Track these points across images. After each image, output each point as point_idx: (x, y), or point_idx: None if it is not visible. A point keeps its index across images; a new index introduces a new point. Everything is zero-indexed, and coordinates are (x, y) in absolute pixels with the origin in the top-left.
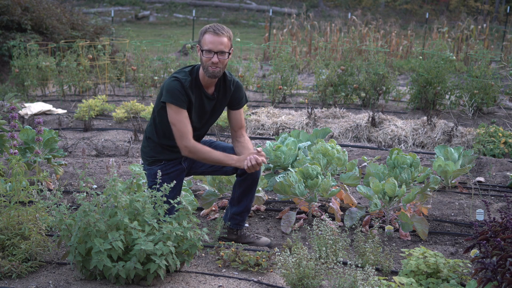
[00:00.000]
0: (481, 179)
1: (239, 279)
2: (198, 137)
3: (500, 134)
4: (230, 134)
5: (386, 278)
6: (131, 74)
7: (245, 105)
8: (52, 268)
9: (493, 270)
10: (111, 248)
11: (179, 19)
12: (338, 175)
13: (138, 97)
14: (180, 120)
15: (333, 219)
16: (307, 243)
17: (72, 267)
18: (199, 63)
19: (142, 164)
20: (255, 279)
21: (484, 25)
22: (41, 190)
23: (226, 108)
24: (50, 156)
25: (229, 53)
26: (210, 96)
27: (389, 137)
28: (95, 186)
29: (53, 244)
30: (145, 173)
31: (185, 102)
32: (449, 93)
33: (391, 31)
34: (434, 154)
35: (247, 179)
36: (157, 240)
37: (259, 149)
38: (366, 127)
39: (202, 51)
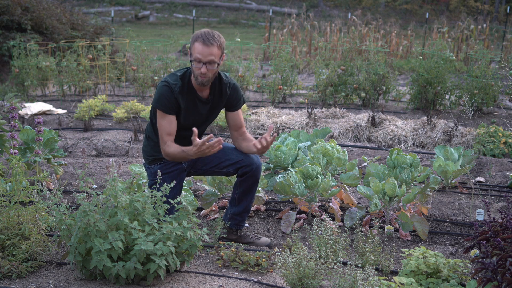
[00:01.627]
0: (481, 179)
1: (239, 279)
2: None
3: (500, 134)
4: (230, 134)
5: (386, 278)
6: (131, 74)
7: (245, 105)
8: (52, 268)
9: (493, 270)
10: (111, 248)
11: (179, 19)
12: (338, 175)
13: (138, 97)
14: (162, 125)
15: (333, 219)
16: (307, 243)
17: (72, 267)
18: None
19: (143, 163)
20: (255, 279)
21: (484, 25)
22: (41, 190)
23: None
24: (50, 156)
25: (219, 64)
26: (205, 100)
27: (389, 137)
28: (95, 186)
29: (53, 244)
30: (146, 173)
31: (171, 109)
32: (449, 93)
33: (391, 31)
34: (434, 154)
35: (247, 180)
36: (157, 240)
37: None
38: (366, 127)
39: (192, 60)
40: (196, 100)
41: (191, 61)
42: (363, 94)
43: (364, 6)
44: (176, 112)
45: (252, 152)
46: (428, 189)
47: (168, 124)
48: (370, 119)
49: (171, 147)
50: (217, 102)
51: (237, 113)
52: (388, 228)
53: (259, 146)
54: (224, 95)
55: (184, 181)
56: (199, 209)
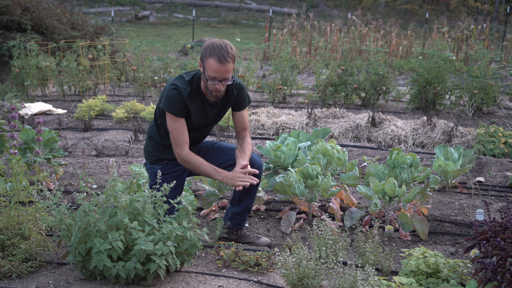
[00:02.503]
0: (481, 179)
1: (239, 279)
2: (200, 137)
3: (500, 134)
4: (230, 134)
5: (386, 278)
6: (131, 74)
7: None
8: (52, 268)
9: (493, 270)
10: (111, 248)
11: (179, 19)
12: (338, 175)
13: (138, 97)
14: (176, 129)
15: (333, 219)
16: (307, 243)
17: (72, 267)
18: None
19: (144, 163)
20: (255, 279)
21: (484, 25)
22: (41, 190)
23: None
24: (50, 156)
25: (233, 76)
26: (213, 104)
27: (389, 137)
28: (95, 186)
29: (53, 244)
30: (147, 173)
31: (182, 112)
32: (449, 93)
33: (391, 31)
34: (434, 154)
35: None
36: (157, 240)
37: (246, 163)
38: (366, 127)
39: (205, 74)
40: (205, 104)
41: (205, 74)
42: (363, 94)
43: (364, 6)
44: (185, 115)
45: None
46: (428, 189)
47: (181, 128)
48: (370, 119)
49: (195, 158)
50: (224, 104)
51: (241, 113)
52: (388, 228)
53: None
54: (231, 96)
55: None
56: (199, 209)
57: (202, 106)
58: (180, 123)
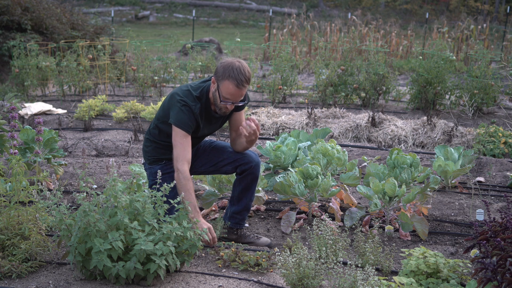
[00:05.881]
0: (481, 179)
1: (239, 279)
2: (200, 142)
3: (500, 134)
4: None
5: (386, 278)
6: (131, 74)
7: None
8: (52, 268)
9: (493, 270)
10: (111, 248)
11: (179, 19)
12: (338, 175)
13: (138, 97)
14: (182, 144)
15: (333, 219)
16: (307, 243)
17: (72, 267)
18: (205, 80)
19: (143, 163)
20: (255, 279)
21: (484, 25)
22: (41, 190)
23: None
24: (50, 156)
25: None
26: (218, 116)
27: (389, 137)
28: (95, 186)
29: (53, 244)
30: (146, 173)
31: (192, 129)
32: (449, 93)
33: (391, 31)
34: (434, 154)
35: (246, 177)
36: (157, 240)
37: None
38: (366, 127)
39: (219, 93)
40: (211, 117)
41: (219, 93)
42: (363, 94)
43: (364, 6)
44: (195, 129)
45: (243, 146)
46: (428, 189)
47: (187, 145)
48: (370, 119)
49: (189, 182)
50: (229, 114)
51: (239, 114)
52: (388, 228)
53: (245, 132)
54: (238, 106)
55: None
56: (199, 209)
57: (209, 118)
58: (187, 140)
